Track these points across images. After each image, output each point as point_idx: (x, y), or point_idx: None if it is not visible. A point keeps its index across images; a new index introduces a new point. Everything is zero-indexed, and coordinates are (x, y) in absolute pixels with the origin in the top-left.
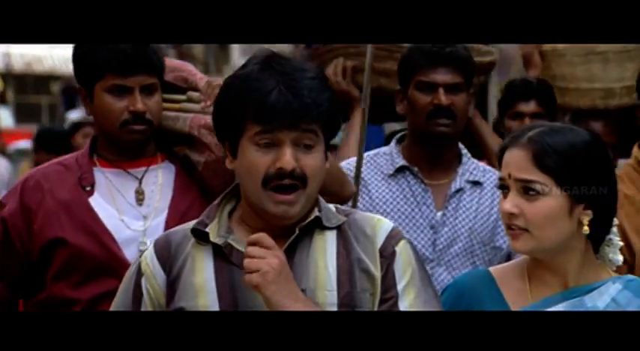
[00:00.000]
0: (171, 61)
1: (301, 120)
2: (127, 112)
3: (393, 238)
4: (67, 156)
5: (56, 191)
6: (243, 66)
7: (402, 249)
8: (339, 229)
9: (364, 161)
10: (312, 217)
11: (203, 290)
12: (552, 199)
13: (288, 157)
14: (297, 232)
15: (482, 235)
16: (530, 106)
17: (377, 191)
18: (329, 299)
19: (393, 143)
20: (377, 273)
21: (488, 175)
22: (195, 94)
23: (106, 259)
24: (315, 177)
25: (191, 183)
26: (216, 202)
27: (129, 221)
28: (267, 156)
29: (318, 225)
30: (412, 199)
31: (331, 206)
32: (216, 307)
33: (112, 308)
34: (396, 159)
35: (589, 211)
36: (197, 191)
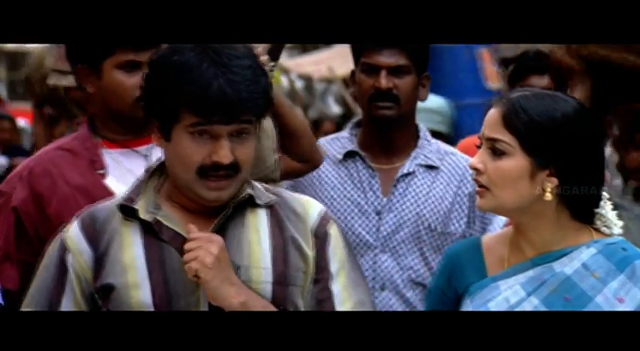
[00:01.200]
0: None
1: (239, 114)
2: (139, 89)
3: (325, 219)
4: (63, 140)
5: (69, 176)
6: (177, 50)
7: (334, 231)
8: (270, 208)
9: (335, 143)
10: (245, 194)
11: (132, 267)
12: (514, 160)
13: (225, 151)
14: (230, 209)
15: (430, 221)
16: (543, 81)
17: (326, 176)
18: (264, 277)
19: (348, 127)
20: (310, 252)
21: (449, 158)
22: None
23: None
24: (248, 164)
25: None
26: (141, 178)
27: None
28: (202, 147)
29: (250, 203)
30: (359, 185)
31: (260, 185)
32: (146, 284)
33: (33, 283)
34: (346, 144)
35: (553, 179)
36: None
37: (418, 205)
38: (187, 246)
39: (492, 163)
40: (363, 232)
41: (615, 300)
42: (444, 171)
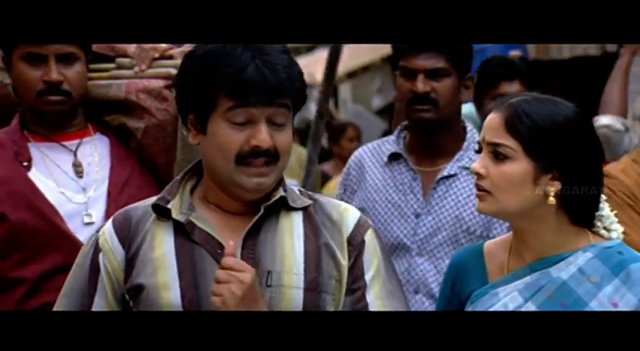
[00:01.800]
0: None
1: (277, 96)
2: (41, 83)
3: (361, 226)
4: None
5: None
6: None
7: (370, 238)
8: (305, 212)
9: (369, 149)
10: (278, 196)
11: (163, 267)
12: (518, 165)
13: (264, 135)
14: (262, 210)
15: (470, 224)
16: (514, 86)
17: (372, 179)
18: (295, 282)
19: (396, 130)
20: (344, 260)
21: None
22: (125, 60)
23: (50, 234)
24: (286, 153)
25: (128, 152)
26: (178, 177)
27: (70, 194)
28: (241, 133)
29: (284, 205)
30: (401, 187)
31: (295, 188)
32: (175, 285)
33: (67, 283)
34: (392, 147)
35: (557, 183)
36: (135, 160)
37: (458, 208)
38: (219, 276)
39: (495, 168)
40: (401, 235)
41: (610, 304)
42: None
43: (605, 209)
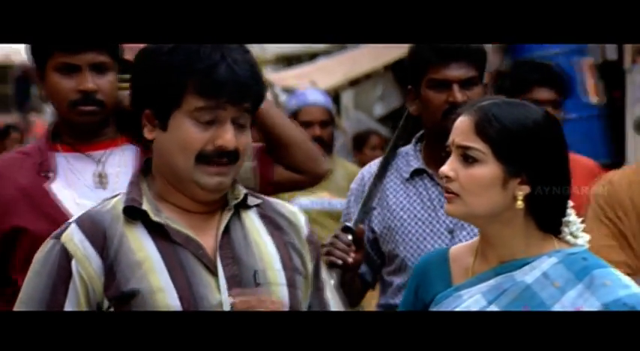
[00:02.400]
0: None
1: (246, 95)
2: (75, 92)
3: (309, 226)
4: (31, 143)
5: (15, 179)
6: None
7: (318, 240)
8: (257, 209)
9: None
10: (242, 194)
11: (153, 270)
12: (487, 168)
13: (230, 136)
14: (232, 209)
15: None
16: (546, 93)
17: (394, 196)
18: (279, 279)
19: (412, 143)
20: (308, 259)
21: None
22: None
23: None
24: (245, 154)
25: None
26: (133, 180)
27: (90, 205)
28: (205, 132)
29: (242, 204)
30: (429, 204)
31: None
32: (170, 287)
33: (24, 292)
34: (412, 161)
35: (525, 187)
36: None
37: None
38: (244, 307)
39: (464, 171)
40: None
41: (573, 309)
42: None
43: (572, 215)
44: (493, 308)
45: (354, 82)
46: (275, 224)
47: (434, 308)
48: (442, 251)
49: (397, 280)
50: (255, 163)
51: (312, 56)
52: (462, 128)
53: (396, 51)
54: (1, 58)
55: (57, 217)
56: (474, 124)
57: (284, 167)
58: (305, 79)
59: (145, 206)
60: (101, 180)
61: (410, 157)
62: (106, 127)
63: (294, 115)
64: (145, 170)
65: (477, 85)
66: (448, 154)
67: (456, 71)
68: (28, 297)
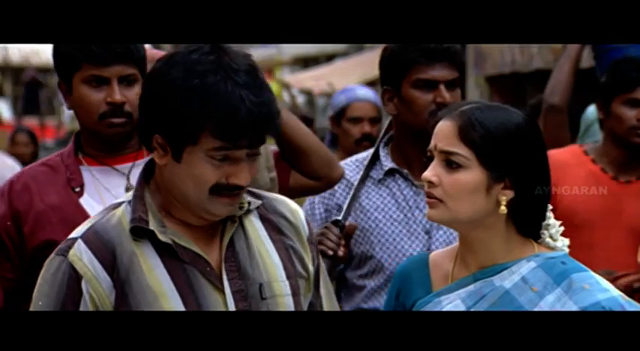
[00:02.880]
0: (151, 51)
1: (264, 137)
2: (104, 104)
3: (310, 225)
4: (51, 155)
5: (45, 194)
6: (191, 70)
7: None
8: (258, 212)
9: (352, 167)
10: (246, 205)
11: (163, 294)
12: (471, 173)
13: (246, 174)
14: (237, 222)
15: None
16: None
17: (367, 197)
18: (284, 290)
19: (380, 146)
20: (309, 261)
21: None
22: None
23: None
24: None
25: None
26: (137, 193)
27: None
28: (220, 169)
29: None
30: (404, 204)
31: None
32: (182, 310)
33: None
34: (385, 162)
35: (508, 192)
36: None
37: None
38: None
39: (448, 176)
40: (414, 253)
41: None
42: None
43: (551, 218)
44: None
45: (371, 84)
46: (276, 228)
47: None
48: (422, 256)
49: (371, 284)
50: (274, 174)
51: (329, 58)
52: (444, 133)
53: None
54: (20, 60)
55: None
56: (457, 129)
57: (300, 173)
58: (322, 80)
59: (152, 224)
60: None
61: (381, 158)
62: (131, 140)
63: (342, 111)
64: (146, 177)
65: (457, 86)
66: (430, 159)
67: (442, 72)
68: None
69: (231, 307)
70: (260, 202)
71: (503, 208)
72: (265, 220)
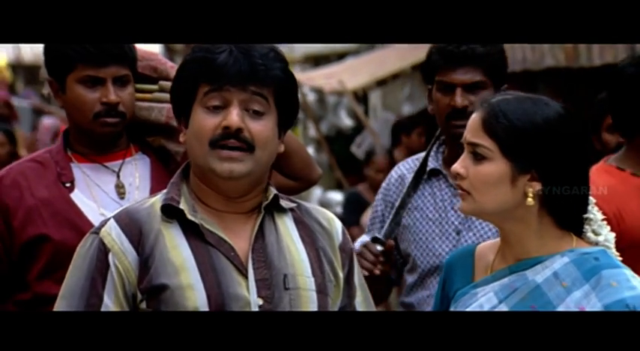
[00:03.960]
0: (139, 50)
1: (250, 80)
2: (99, 104)
3: (347, 234)
4: (39, 152)
5: (35, 189)
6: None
7: (353, 247)
8: (292, 214)
9: (410, 165)
10: (272, 194)
11: (184, 268)
12: (494, 165)
13: (233, 116)
14: (262, 211)
15: None
16: None
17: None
18: (309, 285)
19: (435, 145)
20: (339, 268)
21: None
22: (167, 84)
23: None
24: (263, 144)
25: (167, 174)
26: (174, 180)
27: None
28: (215, 118)
29: (275, 206)
30: (440, 204)
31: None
32: (199, 286)
33: (66, 286)
34: (431, 162)
35: (536, 184)
36: None
37: None
38: None
39: (473, 168)
40: (443, 253)
41: (576, 309)
42: None
43: (594, 212)
44: (502, 307)
45: (381, 82)
46: (308, 230)
47: (453, 304)
48: (470, 248)
49: (410, 279)
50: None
51: (340, 56)
52: (471, 125)
53: (423, 51)
54: (34, 59)
55: (82, 225)
56: (481, 120)
57: (280, 173)
58: (333, 79)
59: (183, 205)
60: (119, 190)
61: (431, 158)
62: (121, 138)
63: None
64: (185, 171)
65: (484, 89)
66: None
67: (461, 75)
68: (69, 291)
69: (253, 294)
70: (294, 204)
71: (530, 200)
72: (299, 223)
